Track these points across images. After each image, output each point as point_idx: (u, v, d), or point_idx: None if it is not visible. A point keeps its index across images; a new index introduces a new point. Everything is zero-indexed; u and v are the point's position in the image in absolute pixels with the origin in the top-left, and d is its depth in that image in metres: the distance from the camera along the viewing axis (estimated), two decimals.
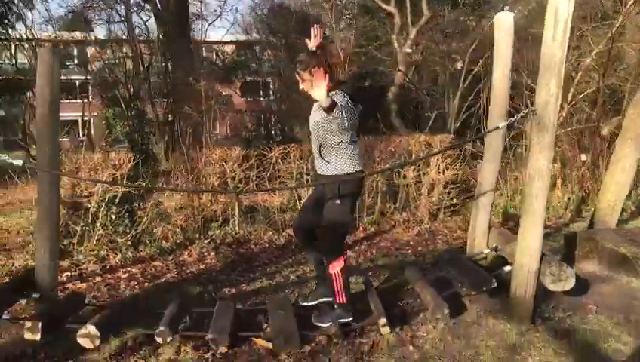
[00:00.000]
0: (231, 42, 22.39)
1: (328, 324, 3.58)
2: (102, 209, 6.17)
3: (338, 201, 3.46)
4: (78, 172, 6.21)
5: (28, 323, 3.22)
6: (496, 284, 3.85)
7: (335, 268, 3.52)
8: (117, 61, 15.67)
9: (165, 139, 13.30)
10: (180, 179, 6.92)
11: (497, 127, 4.12)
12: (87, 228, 6.13)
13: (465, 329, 3.65)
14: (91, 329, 3.24)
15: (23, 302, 3.98)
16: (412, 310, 3.95)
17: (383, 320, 3.52)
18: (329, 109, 3.07)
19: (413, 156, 7.14)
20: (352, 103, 3.37)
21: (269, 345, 3.38)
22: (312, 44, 3.49)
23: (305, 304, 3.87)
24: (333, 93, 3.31)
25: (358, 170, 3.52)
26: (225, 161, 6.85)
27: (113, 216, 6.25)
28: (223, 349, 3.31)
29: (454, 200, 7.50)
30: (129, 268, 5.63)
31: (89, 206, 6.27)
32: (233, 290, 4.79)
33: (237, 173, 6.84)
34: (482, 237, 4.69)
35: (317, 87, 3.02)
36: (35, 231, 4.10)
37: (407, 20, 13.54)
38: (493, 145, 4.58)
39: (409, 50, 13.50)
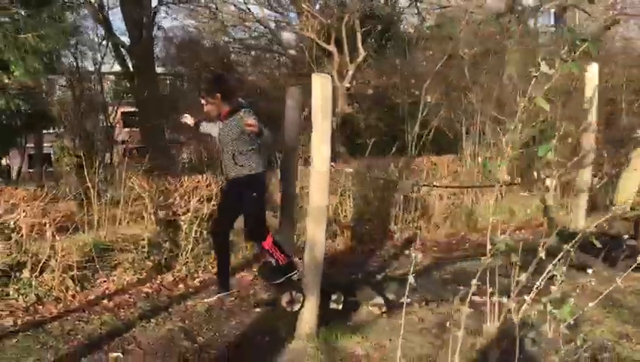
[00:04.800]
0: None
1: (281, 280, 4.54)
2: (193, 226, 6.85)
3: (255, 195, 4.51)
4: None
5: (334, 296, 4.17)
6: None
7: (269, 243, 4.55)
8: None
9: None
10: None
11: None
12: (184, 242, 6.77)
13: None
14: (378, 299, 4.28)
15: None
16: None
17: None
18: (260, 132, 4.24)
19: (425, 172, 8.78)
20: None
21: None
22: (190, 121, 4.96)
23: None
24: (242, 112, 4.43)
25: (263, 170, 4.60)
26: None
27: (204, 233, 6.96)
28: None
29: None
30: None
31: (182, 223, 6.90)
32: None
33: None
34: None
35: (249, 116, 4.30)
36: None
37: (345, 58, 15.29)
38: None
39: (347, 85, 15.25)
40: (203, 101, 4.50)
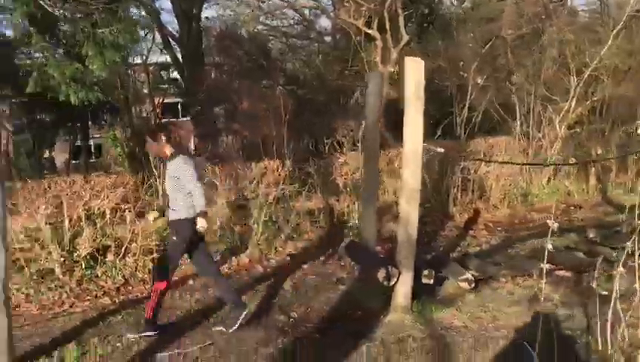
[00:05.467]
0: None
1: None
2: (263, 210, 7.11)
3: (175, 238, 4.31)
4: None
5: (425, 271, 4.35)
6: None
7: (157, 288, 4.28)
8: None
9: None
10: None
11: None
12: (255, 226, 7.04)
13: None
14: (467, 275, 4.45)
15: None
16: None
17: None
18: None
19: (482, 154, 8.84)
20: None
21: None
22: None
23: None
24: (185, 157, 4.31)
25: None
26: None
27: (272, 216, 7.23)
28: None
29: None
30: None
31: (251, 207, 7.17)
32: None
33: None
34: None
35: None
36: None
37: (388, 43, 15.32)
38: None
39: (391, 70, 15.29)
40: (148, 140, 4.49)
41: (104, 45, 6.62)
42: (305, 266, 6.28)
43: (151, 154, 4.33)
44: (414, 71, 4.01)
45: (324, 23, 24.11)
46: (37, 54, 7.48)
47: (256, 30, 20.36)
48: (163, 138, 4.33)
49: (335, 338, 4.01)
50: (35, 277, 5.75)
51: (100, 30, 6.57)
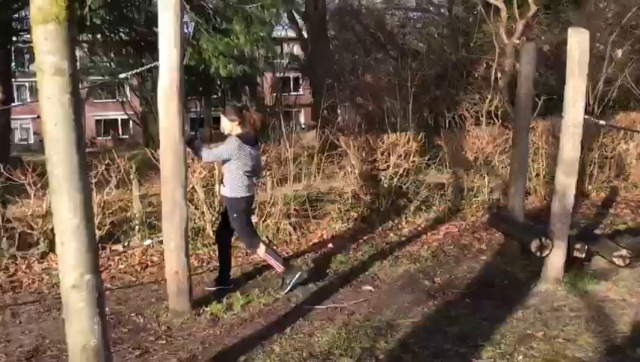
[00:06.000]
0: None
1: (288, 289, 4.57)
2: (394, 181, 7.28)
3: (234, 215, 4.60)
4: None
5: (577, 245, 4.34)
6: None
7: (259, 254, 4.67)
8: None
9: None
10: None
11: None
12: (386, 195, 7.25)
13: None
14: (622, 251, 4.36)
15: None
16: None
17: None
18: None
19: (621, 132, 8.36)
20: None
21: None
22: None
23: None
24: (233, 138, 4.48)
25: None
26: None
27: (402, 187, 7.39)
28: None
29: None
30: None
31: (382, 178, 7.38)
32: None
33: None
34: None
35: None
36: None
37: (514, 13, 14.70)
38: None
39: (516, 41, 14.69)
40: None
41: (251, 20, 7.01)
42: (438, 236, 6.40)
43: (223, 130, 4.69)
44: (578, 41, 3.93)
45: None
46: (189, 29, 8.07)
47: (373, 3, 20.42)
48: (236, 120, 4.60)
49: (486, 303, 4.11)
50: (190, 234, 6.39)
51: (248, 6, 6.94)
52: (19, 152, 20.15)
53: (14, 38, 9.54)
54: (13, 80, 11.38)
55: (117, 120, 37.29)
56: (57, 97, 2.46)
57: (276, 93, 19.34)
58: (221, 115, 4.90)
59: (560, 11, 15.10)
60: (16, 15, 8.97)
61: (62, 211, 2.52)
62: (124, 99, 31.71)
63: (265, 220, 6.85)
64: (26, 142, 35.06)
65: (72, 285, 2.55)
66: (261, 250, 4.67)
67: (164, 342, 3.78)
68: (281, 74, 16.99)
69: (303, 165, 7.73)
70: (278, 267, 4.66)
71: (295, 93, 27.58)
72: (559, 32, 14.36)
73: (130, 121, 37.32)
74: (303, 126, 30.82)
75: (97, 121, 36.48)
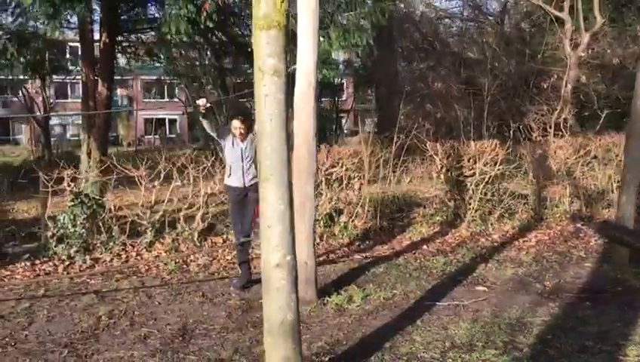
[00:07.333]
0: None
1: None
2: (480, 187, 7.42)
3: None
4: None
5: None
6: None
7: None
8: None
9: None
10: None
11: None
12: (471, 201, 7.39)
13: None
14: None
15: None
16: None
17: None
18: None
19: None
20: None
21: None
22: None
23: None
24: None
25: None
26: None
27: (487, 193, 7.52)
28: None
29: None
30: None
31: (467, 185, 7.53)
32: None
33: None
34: None
35: None
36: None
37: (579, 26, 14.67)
38: None
39: (582, 54, 14.66)
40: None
41: (347, 29, 7.27)
42: (530, 243, 6.52)
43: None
44: None
45: (493, 5, 23.43)
46: None
47: (428, 12, 20.54)
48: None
49: (609, 308, 4.23)
50: None
51: (345, 14, 7.20)
52: (72, 148, 20.67)
53: (119, 38, 10.03)
54: None
55: (164, 119, 38.17)
56: (274, 95, 2.73)
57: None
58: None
59: (627, 24, 15.01)
60: (125, 17, 9.45)
61: (271, 197, 2.78)
62: (177, 99, 32.56)
63: (353, 220, 7.11)
64: (77, 138, 36.12)
65: (276, 264, 2.80)
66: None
67: (302, 327, 4.02)
68: (339, 80, 17.24)
69: (381, 169, 7.92)
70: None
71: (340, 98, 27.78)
72: (626, 45, 14.32)
73: (177, 122, 38.32)
74: (346, 131, 31.13)
75: (146, 120, 37.38)
